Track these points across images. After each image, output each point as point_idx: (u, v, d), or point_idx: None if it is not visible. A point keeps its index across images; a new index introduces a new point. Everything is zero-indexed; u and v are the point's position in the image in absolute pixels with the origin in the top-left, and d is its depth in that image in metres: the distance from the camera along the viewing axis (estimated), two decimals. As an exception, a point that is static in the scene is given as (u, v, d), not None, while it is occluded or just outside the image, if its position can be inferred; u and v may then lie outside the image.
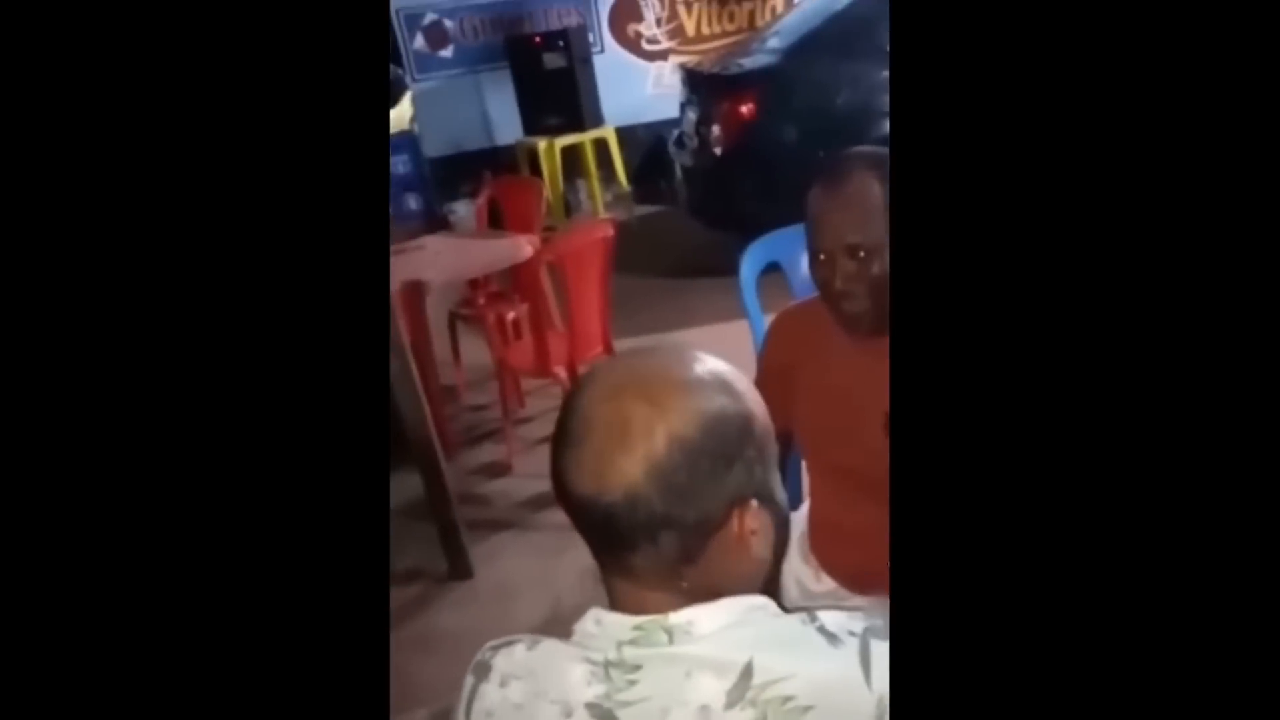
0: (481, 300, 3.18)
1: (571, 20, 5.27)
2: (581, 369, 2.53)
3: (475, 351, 3.20)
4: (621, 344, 2.74)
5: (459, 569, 2.23)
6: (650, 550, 0.56)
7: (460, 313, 3.19)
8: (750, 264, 1.71)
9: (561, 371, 2.52)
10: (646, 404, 0.56)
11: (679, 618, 0.57)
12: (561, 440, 0.58)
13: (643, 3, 5.49)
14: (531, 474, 2.64)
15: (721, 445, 0.56)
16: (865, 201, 1.04)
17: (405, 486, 2.46)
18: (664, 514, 0.55)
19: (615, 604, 0.60)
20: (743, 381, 0.60)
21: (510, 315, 3.07)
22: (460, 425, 3.02)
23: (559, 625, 2.12)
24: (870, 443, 1.08)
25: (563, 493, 0.58)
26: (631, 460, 0.54)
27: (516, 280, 3.05)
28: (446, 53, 5.45)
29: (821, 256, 1.07)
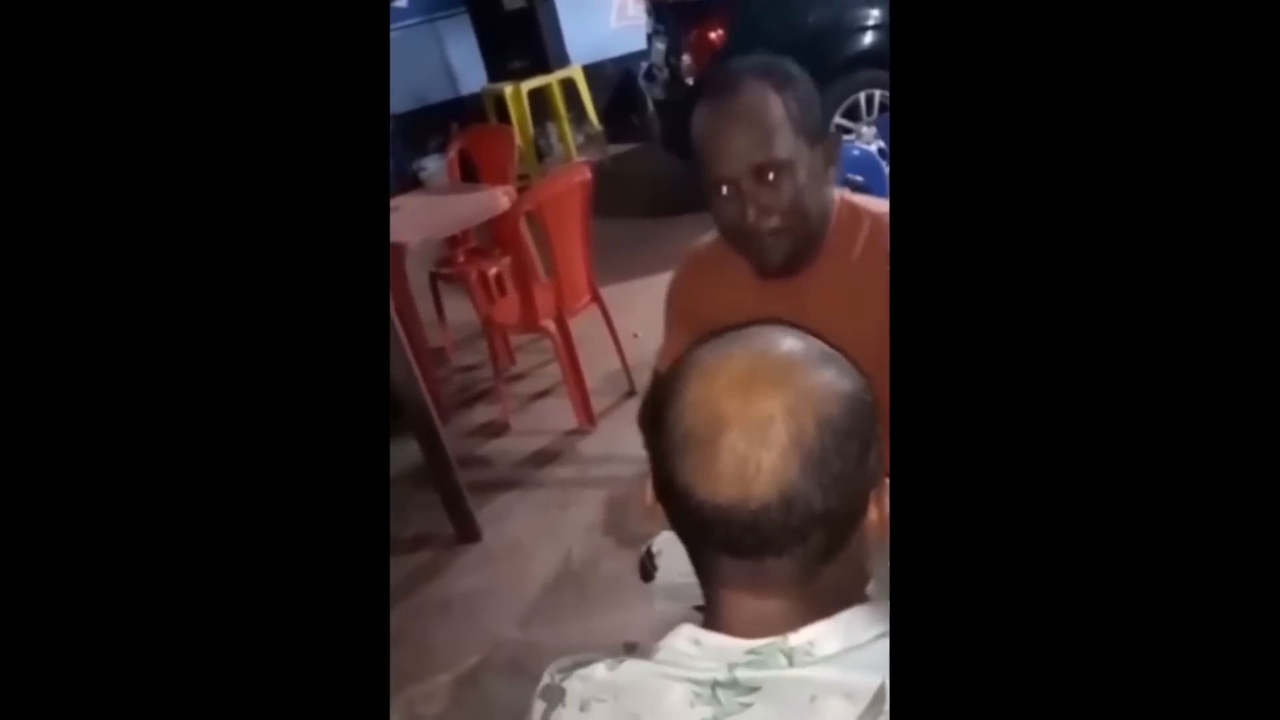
0: (461, 258, 3.12)
1: (527, -44, 5.07)
2: (570, 320, 2.50)
3: (460, 311, 3.15)
4: (608, 291, 2.69)
5: (466, 532, 2.22)
6: (796, 552, 0.51)
7: (441, 272, 3.13)
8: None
9: (550, 324, 2.48)
10: (786, 391, 0.51)
11: (799, 639, 0.52)
12: (680, 446, 0.52)
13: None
14: (529, 431, 2.62)
15: (863, 425, 0.52)
16: (764, 116, 0.91)
17: (404, 454, 2.43)
18: (822, 510, 0.50)
19: (718, 620, 0.55)
20: (844, 355, 0.56)
21: (492, 270, 3.01)
22: (452, 387, 2.98)
23: (571, 580, 2.12)
24: None
25: (688, 504, 0.52)
26: (783, 455, 0.50)
27: (496, 234, 2.98)
28: (401, 3, 5.25)
29: (723, 190, 0.94)
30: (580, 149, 5.17)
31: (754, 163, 0.91)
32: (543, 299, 2.50)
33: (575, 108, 5.11)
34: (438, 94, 5.39)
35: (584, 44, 5.15)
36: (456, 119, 4.96)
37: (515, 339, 2.96)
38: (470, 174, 3.34)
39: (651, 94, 4.17)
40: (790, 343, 0.55)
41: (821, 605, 0.53)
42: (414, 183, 4.73)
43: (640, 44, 4.86)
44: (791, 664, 0.51)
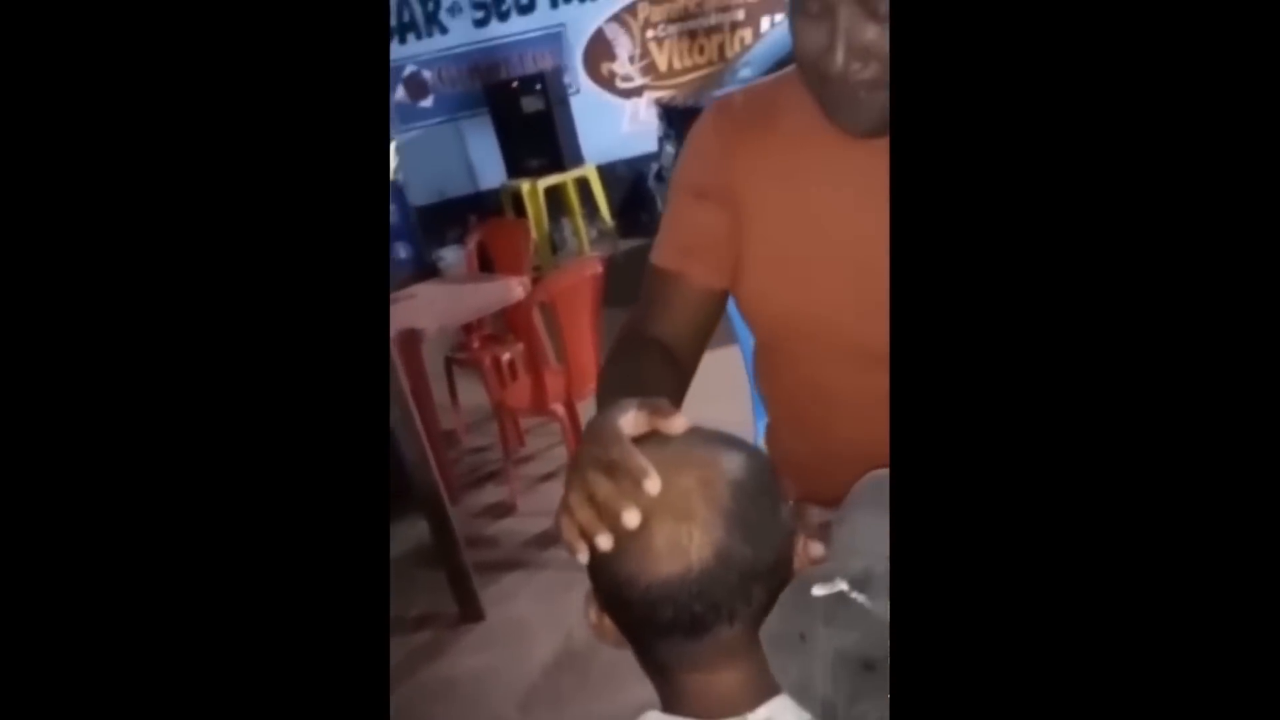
0: (476, 344, 3.22)
1: (547, 63, 5.38)
2: (579, 404, 2.57)
3: (473, 394, 3.23)
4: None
5: (470, 612, 2.25)
6: (744, 613, 0.54)
7: (456, 357, 3.23)
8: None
9: (559, 408, 2.56)
10: (692, 469, 0.54)
11: (756, 717, 0.54)
12: (622, 540, 0.53)
13: (615, 43, 5.61)
14: (535, 512, 2.66)
15: (768, 483, 0.57)
16: None
17: (412, 533, 2.49)
18: (755, 562, 0.53)
19: (678, 705, 0.57)
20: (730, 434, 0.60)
21: (505, 356, 3.11)
22: (462, 468, 3.04)
23: (572, 662, 2.14)
24: (861, 325, 0.74)
25: (635, 593, 0.53)
26: (708, 520, 0.53)
27: (510, 322, 3.09)
28: (427, 103, 5.55)
29: (813, 7, 0.66)
30: (593, 243, 5.34)
31: None
32: (553, 384, 2.58)
33: (589, 204, 5.30)
34: (458, 188, 5.62)
35: (598, 145, 5.38)
36: (475, 212, 5.17)
37: (525, 422, 3.03)
38: (487, 265, 3.48)
39: (661, 193, 4.34)
40: (689, 433, 0.58)
41: (772, 678, 0.55)
42: (433, 271, 4.88)
43: (652, 146, 5.09)
44: None
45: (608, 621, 0.58)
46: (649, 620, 0.54)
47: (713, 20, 5.74)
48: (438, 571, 2.25)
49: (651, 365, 0.78)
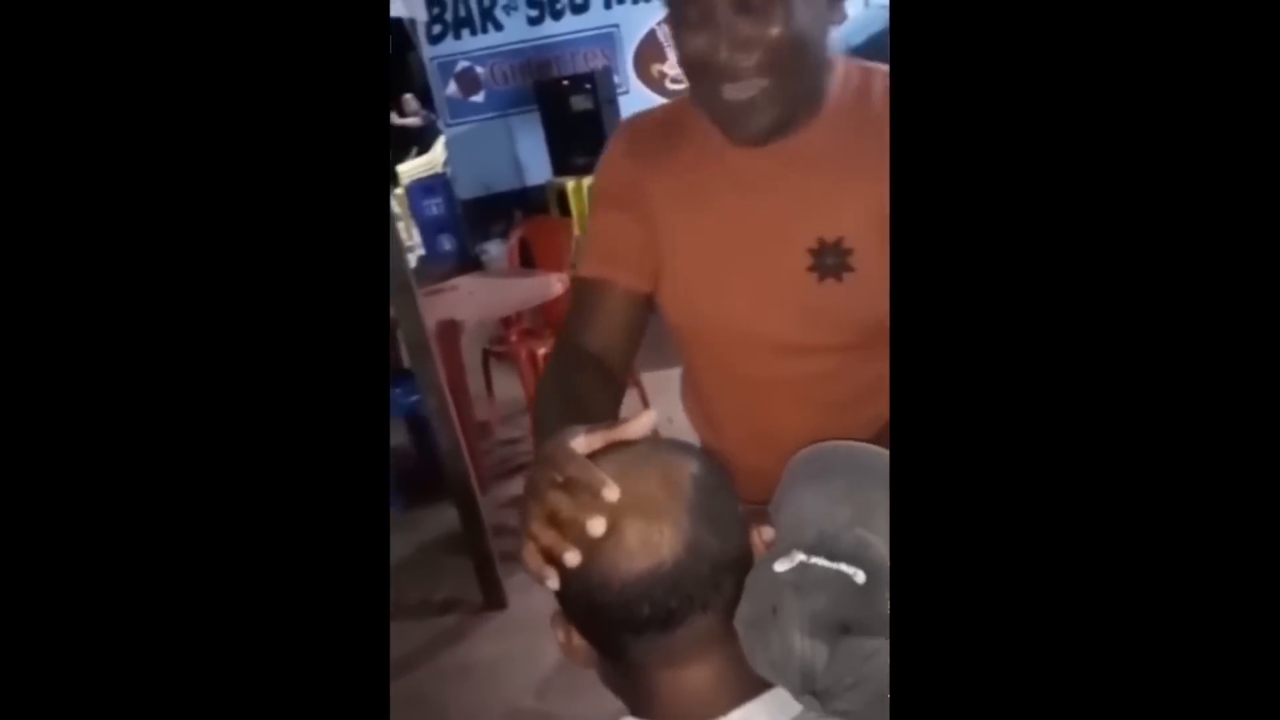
0: (514, 337, 3.27)
1: (598, 63, 5.43)
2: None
3: (508, 387, 3.29)
4: (647, 376, 2.80)
5: (494, 599, 2.29)
6: (715, 603, 0.55)
7: (494, 350, 3.29)
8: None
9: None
10: (654, 470, 0.57)
11: None
12: (587, 551, 0.54)
13: (666, 44, 5.63)
14: (563, 506, 2.70)
15: (723, 478, 0.59)
16: None
17: (443, 520, 2.55)
18: (722, 551, 0.55)
19: (651, 709, 0.57)
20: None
21: (541, 351, 3.15)
22: (494, 459, 3.10)
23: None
24: (772, 325, 0.82)
25: (610, 593, 0.54)
26: (676, 515, 0.55)
27: (547, 316, 3.14)
28: (478, 98, 5.64)
29: (691, 14, 0.71)
30: (634, 242, 5.35)
31: None
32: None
33: (633, 204, 5.32)
34: (505, 183, 5.70)
35: (645, 145, 5.40)
36: (520, 208, 5.24)
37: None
38: (529, 260, 3.53)
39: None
40: (644, 442, 0.60)
41: (744, 678, 0.56)
42: (475, 264, 4.95)
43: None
44: None
45: (577, 639, 0.59)
46: (626, 620, 0.54)
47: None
48: (464, 559, 2.31)
49: (588, 382, 0.80)
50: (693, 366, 0.96)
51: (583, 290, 0.90)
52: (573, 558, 0.53)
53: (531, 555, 0.56)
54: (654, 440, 0.61)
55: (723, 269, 0.83)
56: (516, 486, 2.90)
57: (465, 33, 5.53)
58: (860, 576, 0.53)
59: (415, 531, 2.73)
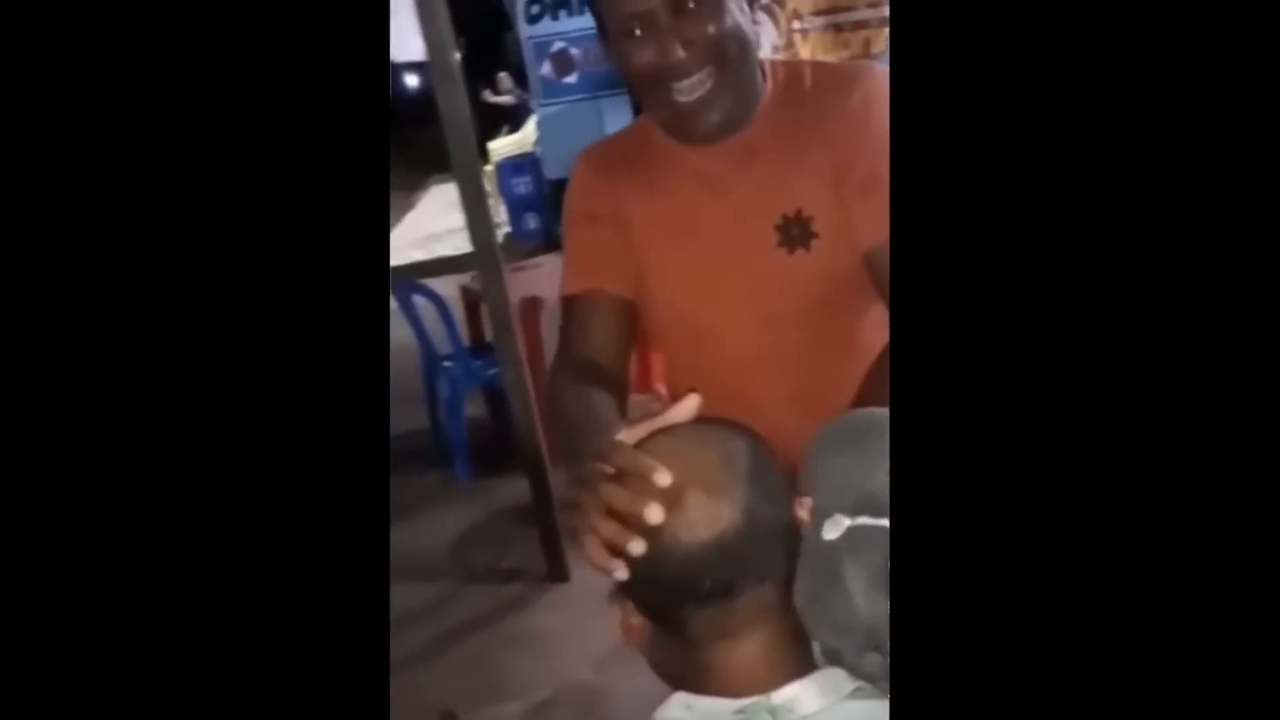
0: (592, 317, 3.31)
1: (692, 49, 5.40)
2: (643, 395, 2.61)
3: (583, 366, 3.34)
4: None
5: (557, 571, 2.35)
6: (771, 572, 0.57)
7: (571, 329, 3.34)
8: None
9: (662, 388, 2.61)
10: (709, 447, 0.59)
11: (781, 697, 0.57)
12: (654, 528, 0.55)
13: (760, 31, 5.58)
14: (630, 487, 2.74)
15: (768, 453, 0.61)
16: None
17: (514, 491, 2.62)
18: (775, 520, 0.58)
19: (705, 683, 0.59)
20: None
21: (618, 333, 3.19)
22: (566, 436, 3.15)
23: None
24: (752, 302, 0.88)
25: (672, 561, 0.56)
26: (734, 488, 0.57)
27: (626, 300, 3.16)
28: (571, 79, 5.69)
29: (636, 31, 0.78)
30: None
31: None
32: (659, 364, 2.65)
33: (718, 191, 5.30)
34: (592, 165, 5.75)
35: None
36: (606, 190, 5.27)
37: (630, 398, 3.11)
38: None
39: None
40: (689, 425, 0.62)
41: (797, 655, 0.59)
42: (559, 244, 5.02)
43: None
44: None
45: (635, 617, 0.61)
46: (688, 591, 0.56)
47: (860, 15, 5.59)
48: (532, 529, 2.37)
49: (596, 391, 0.83)
50: (674, 355, 1.01)
51: (570, 308, 0.94)
52: (637, 546, 0.54)
53: (595, 549, 0.57)
54: (702, 420, 0.62)
55: (699, 259, 0.89)
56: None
57: (563, 14, 5.58)
58: None
59: (486, 500, 2.81)
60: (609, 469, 0.58)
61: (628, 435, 0.60)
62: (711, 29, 0.77)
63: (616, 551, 0.55)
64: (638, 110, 4.77)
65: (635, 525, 0.55)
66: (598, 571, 0.58)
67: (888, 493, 0.55)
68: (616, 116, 5.59)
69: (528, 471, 2.30)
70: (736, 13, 0.80)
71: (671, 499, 0.55)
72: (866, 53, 5.51)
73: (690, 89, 0.79)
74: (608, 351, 0.91)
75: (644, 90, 0.83)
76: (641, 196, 0.90)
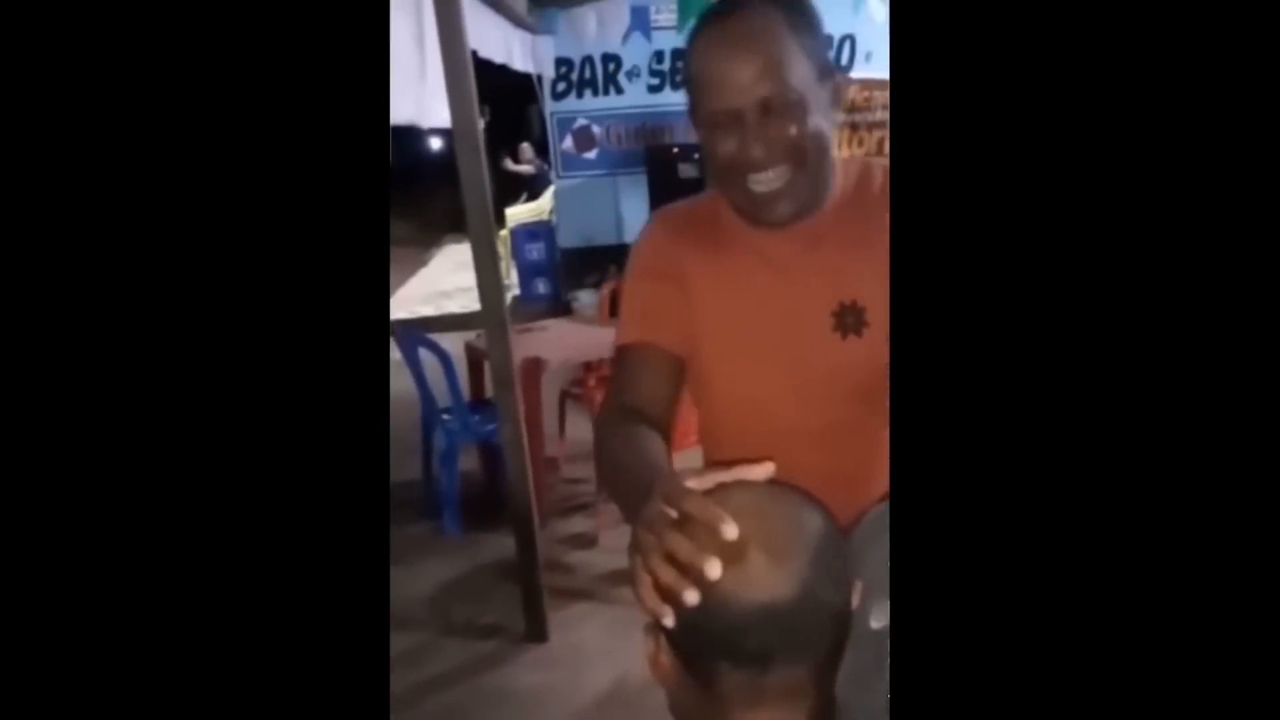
0: (592, 382, 3.38)
1: (709, 135, 5.60)
2: (675, 454, 2.65)
3: (581, 428, 3.39)
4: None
5: (536, 631, 2.35)
6: (813, 651, 0.56)
7: (571, 391, 3.40)
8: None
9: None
10: (787, 512, 0.58)
11: None
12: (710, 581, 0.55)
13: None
14: (616, 549, 2.75)
15: (840, 537, 0.60)
16: (774, 44, 0.82)
17: (499, 547, 2.63)
18: (832, 603, 0.56)
19: None
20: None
21: (616, 400, 3.24)
22: (557, 495, 3.18)
23: (622, 701, 2.19)
24: (802, 380, 0.92)
25: (726, 615, 0.54)
26: (799, 557, 0.55)
27: (626, 368, 3.22)
28: (591, 155, 5.89)
29: (723, 122, 0.84)
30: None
31: (761, 95, 0.82)
32: (689, 427, 2.68)
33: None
34: (604, 238, 5.90)
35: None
36: (615, 263, 5.41)
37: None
38: (617, 312, 3.63)
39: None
40: (766, 485, 0.61)
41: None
42: (566, 310, 5.13)
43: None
44: None
45: (666, 655, 0.59)
46: (729, 648, 0.55)
47: (878, 116, 5.84)
48: (514, 587, 2.38)
49: (646, 438, 0.84)
50: (717, 420, 1.04)
51: (624, 356, 0.97)
52: (691, 596, 0.53)
53: (648, 592, 0.56)
54: (778, 483, 0.61)
55: (754, 333, 0.94)
56: (575, 525, 2.99)
57: (588, 93, 5.82)
58: None
59: (472, 554, 2.83)
60: (674, 513, 0.57)
61: (698, 482, 0.59)
62: (793, 131, 0.83)
63: (669, 597, 0.55)
64: (653, 188, 4.89)
65: (693, 575, 0.54)
66: (645, 613, 0.57)
67: None
68: (632, 194, 5.77)
69: (515, 529, 2.33)
70: (819, 117, 0.85)
71: (734, 555, 0.54)
72: (880, 151, 5.71)
73: (766, 181, 0.85)
74: (657, 403, 0.93)
75: (722, 175, 0.88)
76: (705, 264, 0.95)
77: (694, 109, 0.89)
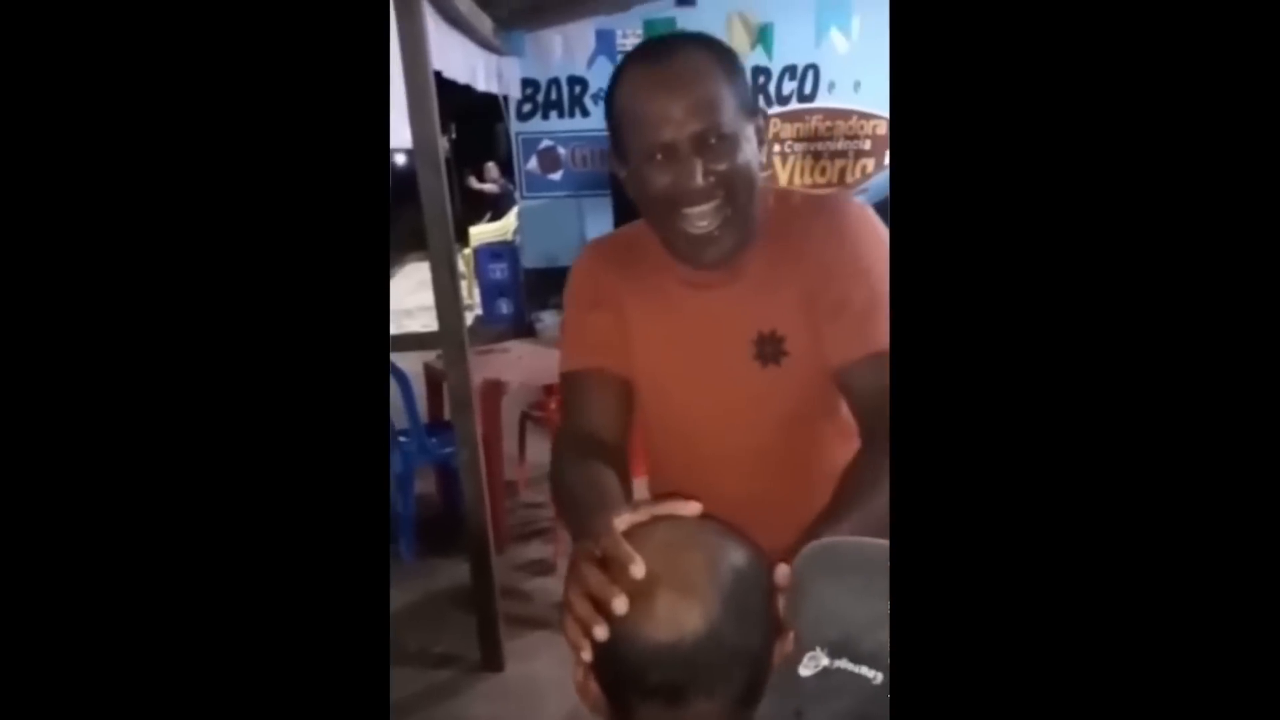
0: (554, 404, 3.34)
1: (674, 159, 5.64)
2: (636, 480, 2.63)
3: (540, 451, 3.35)
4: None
5: (491, 660, 2.30)
6: (722, 691, 0.57)
7: (532, 414, 3.37)
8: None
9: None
10: (701, 549, 0.59)
11: None
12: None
13: (742, 150, 5.83)
14: (574, 578, 2.72)
15: (764, 579, 0.61)
16: (707, 82, 0.84)
17: (454, 573, 2.58)
18: (742, 646, 0.57)
19: None
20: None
21: (577, 423, 3.21)
22: (515, 520, 3.14)
23: (579, 728, 2.07)
24: (726, 408, 0.95)
25: (631, 652, 0.56)
26: (708, 597, 0.56)
27: (587, 391, 3.20)
28: (556, 176, 5.90)
29: (658, 156, 0.85)
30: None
31: (696, 129, 0.83)
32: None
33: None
34: (568, 259, 5.77)
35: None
36: (579, 283, 5.39)
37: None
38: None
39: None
40: (694, 522, 0.62)
41: None
42: (529, 331, 5.10)
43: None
44: None
45: (593, 682, 0.62)
46: (636, 681, 0.57)
47: (839, 146, 5.94)
48: (469, 615, 2.33)
49: (599, 466, 0.87)
50: (654, 445, 1.07)
51: (571, 384, 0.99)
52: (601, 632, 0.56)
53: (570, 626, 0.59)
54: (713, 521, 0.63)
55: (681, 361, 0.97)
56: (532, 551, 2.94)
57: (554, 114, 5.83)
58: (879, 678, 0.55)
59: (426, 581, 2.77)
60: (597, 550, 0.60)
61: (621, 521, 0.61)
62: (725, 165, 0.84)
63: (586, 631, 0.57)
64: (617, 210, 4.91)
65: (604, 610, 0.56)
66: (569, 645, 0.59)
67: (873, 638, 0.57)
68: (597, 215, 5.78)
69: (471, 555, 2.28)
70: (749, 151, 0.87)
71: (643, 592, 0.56)
72: (842, 181, 5.81)
73: (701, 216, 0.86)
74: (610, 427, 0.95)
75: (656, 210, 0.89)
76: (635, 292, 0.98)
77: (619, 147, 0.90)
